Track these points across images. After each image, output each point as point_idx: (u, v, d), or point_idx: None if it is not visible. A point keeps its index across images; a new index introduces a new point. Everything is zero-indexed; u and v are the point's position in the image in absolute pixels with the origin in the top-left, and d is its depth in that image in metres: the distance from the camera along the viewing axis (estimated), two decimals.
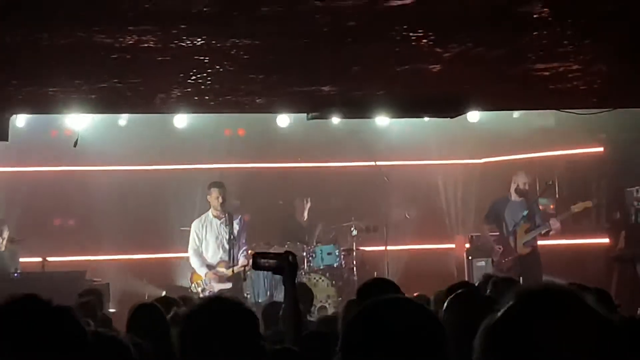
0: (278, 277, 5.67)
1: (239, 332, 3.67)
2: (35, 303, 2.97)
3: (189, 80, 8.86)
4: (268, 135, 16.13)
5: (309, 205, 15.58)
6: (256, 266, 5.49)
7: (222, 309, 3.75)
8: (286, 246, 14.59)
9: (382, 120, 15.28)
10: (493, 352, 2.12)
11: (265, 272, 13.82)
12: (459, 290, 4.93)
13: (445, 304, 4.44)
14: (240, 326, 3.69)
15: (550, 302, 2.13)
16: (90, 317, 6.83)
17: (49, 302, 2.98)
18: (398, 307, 2.97)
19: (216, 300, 3.98)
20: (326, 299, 14.33)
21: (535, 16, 6.70)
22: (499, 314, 2.15)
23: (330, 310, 13.49)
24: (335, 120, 14.06)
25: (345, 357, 2.89)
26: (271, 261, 5.42)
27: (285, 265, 5.32)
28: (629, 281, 14.32)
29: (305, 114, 11.26)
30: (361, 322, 2.93)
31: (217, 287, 13.54)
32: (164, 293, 13.11)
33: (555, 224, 14.11)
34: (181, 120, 15.12)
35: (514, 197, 14.50)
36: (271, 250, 10.69)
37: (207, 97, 9.90)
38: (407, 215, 16.57)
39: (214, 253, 13.88)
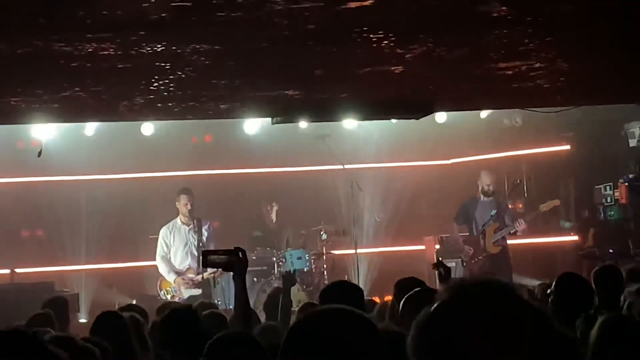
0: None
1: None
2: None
3: (151, 87, 8.81)
4: (236, 141, 16.09)
5: (275, 208, 15.52)
6: (206, 263, 5.50)
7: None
8: (256, 252, 14.58)
9: (349, 123, 15.25)
10: (424, 347, 2.11)
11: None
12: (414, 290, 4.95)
13: (401, 305, 4.44)
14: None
15: (479, 297, 2.12)
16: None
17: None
18: (332, 319, 2.94)
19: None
20: (297, 304, 14.26)
21: (494, 15, 6.71)
22: (430, 309, 2.13)
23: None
24: (303, 124, 14.02)
25: None
26: (221, 257, 5.40)
27: (234, 262, 5.29)
28: None
29: (270, 119, 11.22)
30: (296, 336, 2.93)
31: (186, 293, 13.47)
32: (134, 302, 13.01)
33: (521, 224, 14.13)
34: (148, 128, 15.03)
35: (482, 197, 14.54)
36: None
37: (170, 104, 9.85)
38: (377, 218, 16.58)
39: (182, 260, 13.81)
